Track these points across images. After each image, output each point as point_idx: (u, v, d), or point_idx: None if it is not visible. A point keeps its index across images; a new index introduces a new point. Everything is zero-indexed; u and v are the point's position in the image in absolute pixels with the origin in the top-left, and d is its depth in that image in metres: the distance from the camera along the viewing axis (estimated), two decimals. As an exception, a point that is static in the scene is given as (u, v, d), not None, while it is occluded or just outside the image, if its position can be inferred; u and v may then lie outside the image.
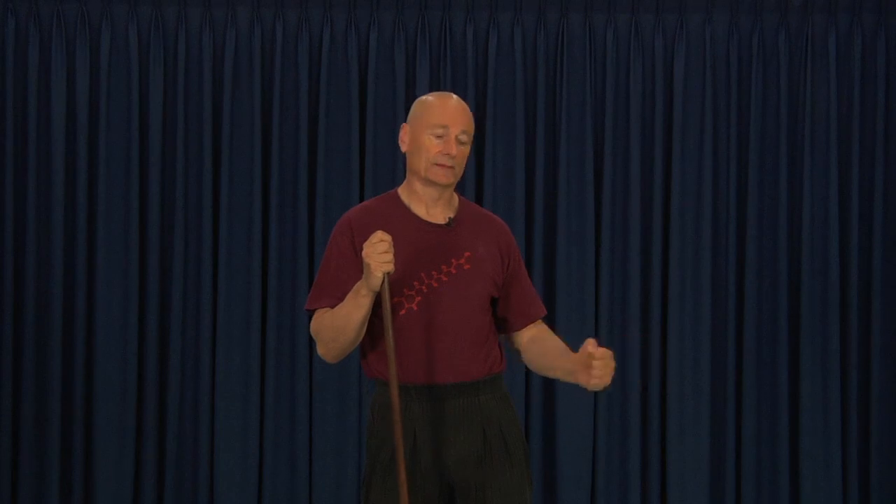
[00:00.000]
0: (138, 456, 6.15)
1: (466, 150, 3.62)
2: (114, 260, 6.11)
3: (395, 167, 6.07)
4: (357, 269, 3.53)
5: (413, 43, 6.21)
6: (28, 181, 6.09)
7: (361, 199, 6.13)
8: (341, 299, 3.55)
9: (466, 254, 3.61)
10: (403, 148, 3.66)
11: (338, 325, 3.52)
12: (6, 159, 6.08)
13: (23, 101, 6.12)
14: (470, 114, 3.64)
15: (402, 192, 3.68)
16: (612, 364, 3.45)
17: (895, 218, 6.29)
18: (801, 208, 6.27)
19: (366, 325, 3.52)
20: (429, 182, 3.60)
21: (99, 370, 6.10)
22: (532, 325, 3.78)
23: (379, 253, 3.40)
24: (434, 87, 6.15)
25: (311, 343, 6.14)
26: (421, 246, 3.58)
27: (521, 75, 6.20)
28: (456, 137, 3.58)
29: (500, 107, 6.22)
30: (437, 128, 3.58)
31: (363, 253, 3.42)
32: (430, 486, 3.57)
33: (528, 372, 6.21)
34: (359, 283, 3.47)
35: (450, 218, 3.63)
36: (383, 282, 3.43)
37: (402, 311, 3.56)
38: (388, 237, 3.42)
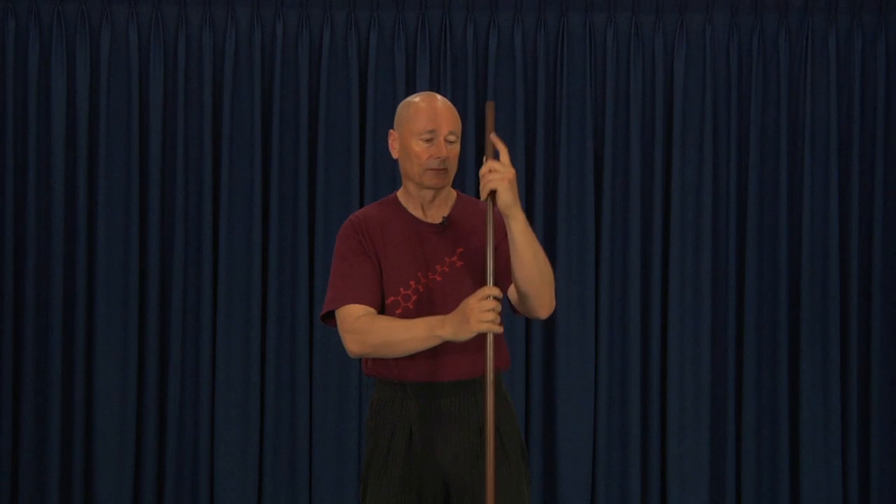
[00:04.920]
0: (138, 456, 6.15)
1: (456, 148, 3.63)
2: (114, 260, 6.11)
3: (394, 167, 6.07)
4: (372, 263, 3.55)
5: (413, 43, 6.22)
6: (28, 181, 6.09)
7: (361, 199, 6.14)
8: (371, 292, 3.54)
9: (459, 250, 3.61)
10: (394, 154, 3.67)
11: (393, 340, 3.49)
12: (6, 159, 6.09)
13: (23, 101, 6.12)
14: (456, 112, 3.65)
15: (400, 195, 3.71)
16: (496, 171, 3.38)
17: (895, 218, 6.28)
18: (801, 208, 6.27)
19: None
20: (424, 187, 3.62)
21: (99, 370, 6.10)
22: None
23: (484, 310, 3.36)
24: (434, 87, 6.15)
25: (311, 343, 6.14)
26: (417, 246, 3.59)
27: (521, 75, 6.20)
28: (444, 139, 3.60)
29: (500, 107, 6.21)
30: (426, 133, 3.59)
31: (468, 307, 3.37)
32: (426, 483, 3.57)
33: (528, 372, 6.21)
34: (439, 320, 3.44)
35: (444, 217, 3.64)
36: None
37: (399, 311, 3.56)
38: (497, 292, 3.36)
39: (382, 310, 3.61)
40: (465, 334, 3.39)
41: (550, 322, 6.22)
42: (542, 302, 3.52)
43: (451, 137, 3.61)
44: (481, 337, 3.55)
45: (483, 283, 3.58)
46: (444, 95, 6.03)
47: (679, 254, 6.24)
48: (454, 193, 3.72)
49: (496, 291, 3.37)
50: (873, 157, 6.29)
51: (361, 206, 6.05)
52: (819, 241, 6.26)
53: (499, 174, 3.39)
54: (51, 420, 6.06)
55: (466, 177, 6.13)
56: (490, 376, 3.43)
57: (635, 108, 6.24)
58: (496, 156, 3.46)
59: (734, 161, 6.29)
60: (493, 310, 3.36)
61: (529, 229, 3.45)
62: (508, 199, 3.38)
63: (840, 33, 6.30)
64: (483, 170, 3.41)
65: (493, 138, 3.43)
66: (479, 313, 3.36)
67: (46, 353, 6.06)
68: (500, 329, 3.37)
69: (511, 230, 3.42)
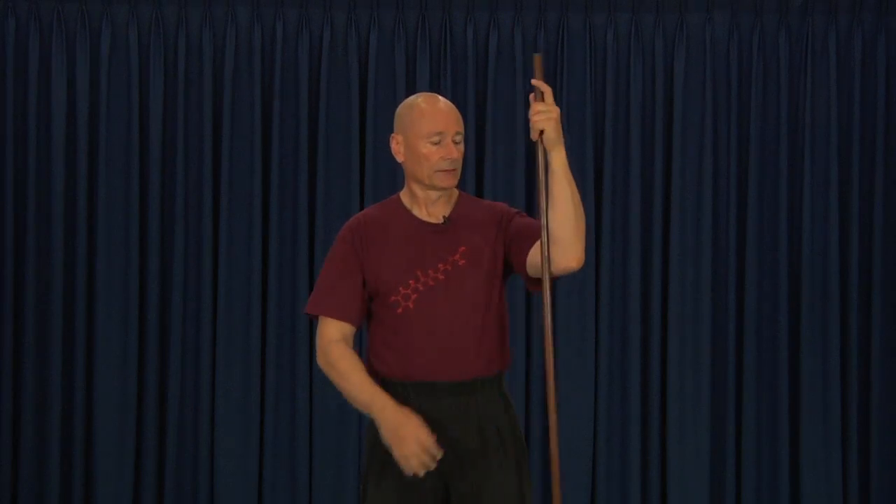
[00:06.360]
0: (138, 456, 6.14)
1: (462, 148, 3.65)
2: (114, 259, 6.11)
3: (395, 167, 6.04)
4: (358, 276, 3.59)
5: (413, 43, 6.22)
6: (28, 181, 6.08)
7: (362, 199, 6.14)
8: (341, 309, 3.61)
9: (461, 248, 3.62)
10: (399, 158, 3.67)
11: (342, 388, 3.69)
12: (6, 159, 6.08)
13: (23, 100, 6.12)
14: (458, 112, 3.66)
15: (403, 196, 3.72)
16: (542, 112, 3.46)
17: (895, 218, 6.28)
18: (801, 208, 6.27)
19: None
20: (434, 188, 3.62)
21: (99, 371, 6.09)
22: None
23: (411, 454, 3.48)
24: (434, 87, 6.15)
25: (311, 344, 6.13)
26: (418, 245, 3.60)
27: (521, 75, 6.20)
28: (452, 139, 3.61)
29: (500, 107, 6.21)
30: (434, 135, 3.60)
31: (403, 438, 3.49)
32: (426, 484, 3.57)
33: (528, 372, 6.21)
34: (382, 406, 3.56)
35: (444, 217, 3.64)
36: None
37: (400, 310, 3.58)
38: (429, 444, 3.51)
39: (375, 313, 3.63)
40: (389, 444, 3.53)
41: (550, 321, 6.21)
42: (576, 248, 3.51)
43: (458, 138, 3.63)
44: (482, 336, 3.57)
45: (485, 282, 3.59)
46: (445, 95, 6.04)
47: (679, 254, 6.24)
48: (456, 192, 3.72)
49: (430, 443, 3.48)
50: (873, 157, 6.29)
51: (362, 206, 6.05)
52: (819, 241, 6.25)
53: (545, 114, 3.47)
54: (51, 420, 6.05)
55: (466, 176, 6.13)
56: (549, 345, 3.56)
57: (635, 108, 6.24)
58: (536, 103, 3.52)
59: (734, 161, 6.29)
60: (421, 455, 3.47)
61: (568, 168, 3.50)
62: (553, 137, 3.46)
63: (840, 33, 6.30)
64: (530, 112, 3.48)
65: (536, 82, 3.50)
66: (407, 451, 3.48)
67: (46, 353, 6.06)
68: (419, 472, 3.50)
69: (552, 165, 3.48)
